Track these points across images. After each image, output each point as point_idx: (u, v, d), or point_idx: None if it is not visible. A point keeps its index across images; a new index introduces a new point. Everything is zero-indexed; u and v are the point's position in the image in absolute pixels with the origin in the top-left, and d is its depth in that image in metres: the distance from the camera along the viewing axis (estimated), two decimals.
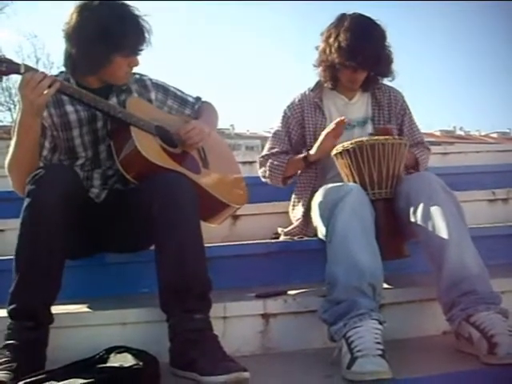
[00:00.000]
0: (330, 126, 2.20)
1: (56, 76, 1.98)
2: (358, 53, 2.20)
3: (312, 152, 2.28)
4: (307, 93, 2.44)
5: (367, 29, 2.26)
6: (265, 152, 2.46)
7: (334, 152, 2.06)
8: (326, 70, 2.35)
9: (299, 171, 2.42)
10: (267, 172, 2.41)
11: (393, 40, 2.33)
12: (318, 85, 2.43)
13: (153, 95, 2.13)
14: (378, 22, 2.30)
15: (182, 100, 2.21)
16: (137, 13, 1.93)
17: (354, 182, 1.97)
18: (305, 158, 2.31)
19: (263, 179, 2.47)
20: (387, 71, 2.36)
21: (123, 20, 1.89)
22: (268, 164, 2.40)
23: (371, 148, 1.94)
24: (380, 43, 2.29)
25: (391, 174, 1.96)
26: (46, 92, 1.72)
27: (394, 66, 2.37)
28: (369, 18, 2.30)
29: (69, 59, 1.95)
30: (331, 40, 2.28)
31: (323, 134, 2.22)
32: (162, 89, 2.17)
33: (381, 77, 2.39)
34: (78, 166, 1.99)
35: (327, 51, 2.30)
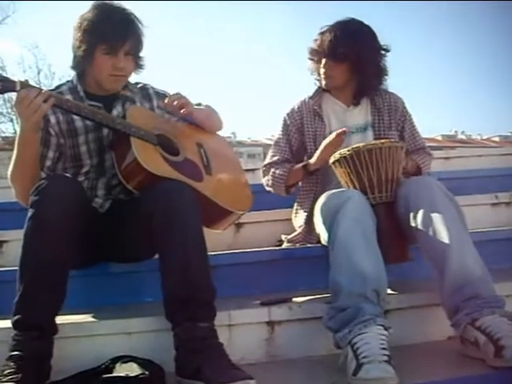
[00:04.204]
0: (331, 137, 2.20)
1: (62, 84, 2.02)
2: (319, 45, 2.31)
3: (312, 161, 2.28)
4: (306, 100, 2.45)
5: (342, 26, 2.31)
6: (267, 161, 2.47)
7: (331, 160, 2.06)
8: (315, 70, 2.41)
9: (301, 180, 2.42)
10: (270, 181, 2.42)
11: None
12: (317, 92, 2.45)
13: (154, 103, 2.15)
14: (365, 23, 2.33)
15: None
16: (127, 13, 1.96)
17: (354, 187, 1.97)
18: (304, 166, 2.31)
19: (267, 188, 2.47)
20: (373, 73, 2.34)
21: (107, 17, 1.92)
22: (270, 173, 2.41)
23: (368, 153, 1.95)
24: (354, 38, 2.27)
25: (390, 177, 1.96)
26: (40, 108, 1.73)
27: (389, 69, 2.37)
28: (354, 20, 2.33)
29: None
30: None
31: (323, 144, 2.23)
32: (163, 96, 2.18)
33: (367, 77, 2.33)
34: (82, 173, 2.00)
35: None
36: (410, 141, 2.40)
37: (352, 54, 2.26)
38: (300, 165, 2.34)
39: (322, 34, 2.33)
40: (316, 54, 2.35)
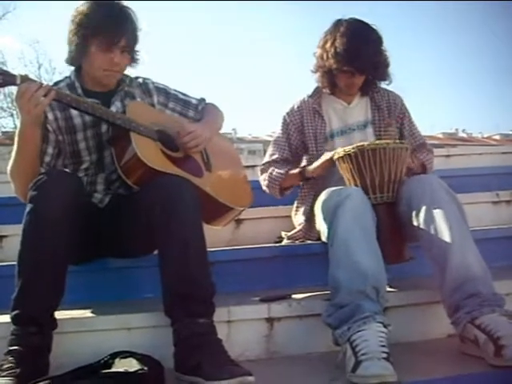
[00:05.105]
0: (326, 158, 2.16)
1: (61, 81, 2.02)
2: (355, 57, 2.21)
3: (310, 169, 2.27)
4: (306, 99, 2.44)
5: (363, 33, 2.27)
6: (266, 159, 2.46)
7: (335, 156, 2.06)
8: (323, 75, 2.35)
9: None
10: (266, 181, 2.41)
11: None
12: (317, 91, 2.44)
13: (155, 99, 2.14)
14: (374, 27, 2.30)
15: (184, 102, 2.21)
16: (123, 8, 1.95)
17: (356, 185, 1.97)
18: (301, 173, 2.31)
19: (263, 187, 2.46)
20: (385, 75, 2.36)
21: (102, 12, 1.91)
22: (268, 172, 2.40)
23: (372, 152, 1.94)
24: (376, 47, 2.29)
25: (393, 178, 1.96)
26: (41, 102, 1.73)
27: (391, 70, 2.37)
28: (364, 23, 2.30)
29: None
30: (328, 46, 2.28)
31: (325, 157, 2.19)
32: (164, 92, 2.17)
33: (378, 80, 2.39)
34: (82, 170, 2.00)
35: (324, 57, 2.30)
36: (409, 137, 2.41)
37: (374, 64, 2.27)
38: (297, 170, 2.33)
39: (361, 50, 2.21)
40: (341, 71, 2.26)
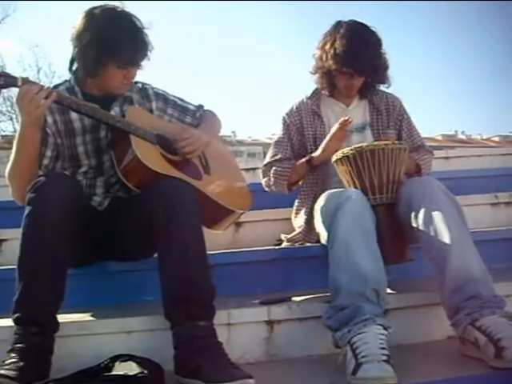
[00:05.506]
0: (335, 127, 2.20)
1: (60, 84, 2.02)
2: (355, 59, 2.22)
3: (316, 154, 2.28)
4: (305, 100, 2.44)
5: (363, 35, 2.28)
6: (267, 160, 2.45)
7: (334, 158, 2.06)
8: (322, 76, 2.36)
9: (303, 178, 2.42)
10: (271, 179, 2.39)
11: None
12: (316, 92, 2.44)
13: (153, 104, 2.14)
14: (374, 29, 2.31)
15: (182, 108, 2.21)
16: (138, 25, 1.94)
17: (355, 187, 1.97)
18: (308, 161, 2.31)
19: (267, 188, 2.46)
20: (383, 78, 2.37)
21: (121, 31, 1.89)
22: (272, 171, 2.39)
23: (371, 154, 1.95)
24: (376, 49, 2.30)
25: (392, 178, 1.96)
26: (42, 103, 1.73)
27: (390, 72, 2.38)
28: (364, 25, 2.31)
29: (73, 63, 1.98)
30: (327, 47, 2.29)
31: (328, 135, 2.23)
32: (162, 97, 2.17)
33: (377, 83, 2.39)
34: (80, 173, 2.00)
35: (323, 58, 2.31)
36: (407, 139, 2.41)
37: (374, 66, 2.28)
38: (303, 159, 2.33)
39: (360, 51, 2.22)
40: (340, 72, 2.28)
